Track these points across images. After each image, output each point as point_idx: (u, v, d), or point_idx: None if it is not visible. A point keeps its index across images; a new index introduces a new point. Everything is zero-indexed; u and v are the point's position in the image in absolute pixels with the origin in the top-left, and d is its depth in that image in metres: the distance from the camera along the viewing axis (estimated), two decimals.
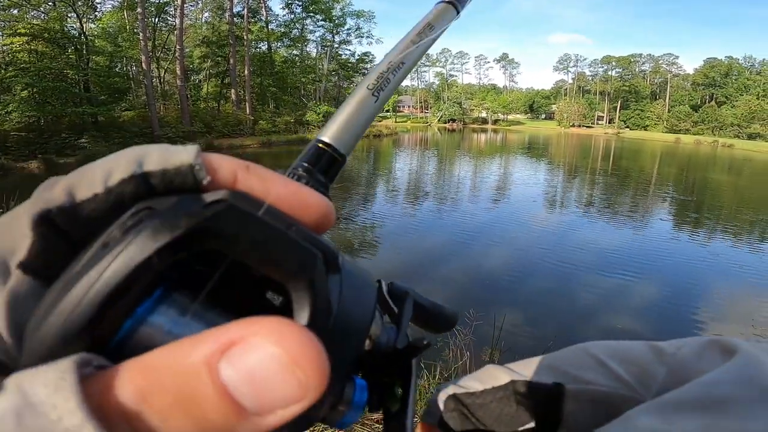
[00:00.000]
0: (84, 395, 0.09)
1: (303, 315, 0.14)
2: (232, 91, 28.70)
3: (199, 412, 0.10)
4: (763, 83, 57.35)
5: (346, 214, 9.52)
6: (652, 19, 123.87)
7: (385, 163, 20.77)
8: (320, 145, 0.28)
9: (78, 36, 20.79)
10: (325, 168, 0.27)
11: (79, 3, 21.64)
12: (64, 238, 0.13)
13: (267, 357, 0.11)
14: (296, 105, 32.10)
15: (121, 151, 0.15)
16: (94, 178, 0.14)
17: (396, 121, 55.70)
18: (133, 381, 0.10)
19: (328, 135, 0.28)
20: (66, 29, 20.27)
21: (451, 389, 0.30)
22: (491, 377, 0.27)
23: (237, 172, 0.16)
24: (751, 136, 51.86)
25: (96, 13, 24.41)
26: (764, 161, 31.46)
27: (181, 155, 0.15)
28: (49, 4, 20.39)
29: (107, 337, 0.12)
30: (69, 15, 21.20)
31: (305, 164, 0.27)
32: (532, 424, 0.27)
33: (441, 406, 0.34)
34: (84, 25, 21.42)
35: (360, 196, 11.91)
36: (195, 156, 0.15)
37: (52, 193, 0.13)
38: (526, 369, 0.28)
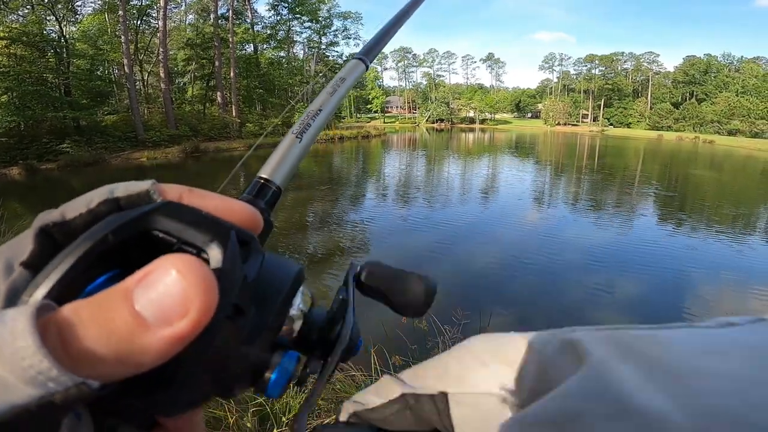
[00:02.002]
0: (35, 322, 0.13)
1: (213, 264, 0.17)
2: (218, 93, 28.41)
3: (111, 324, 0.14)
4: (742, 80, 58.83)
5: (333, 216, 9.50)
6: (632, 18, 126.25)
7: (374, 164, 20.77)
8: (260, 180, 0.34)
9: (58, 39, 20.39)
10: (264, 196, 0.33)
11: (59, 6, 21.23)
12: (55, 245, 0.18)
13: (166, 277, 0.15)
14: (283, 107, 31.95)
15: (98, 188, 0.20)
16: (80, 204, 0.19)
17: (384, 122, 55.81)
18: (69, 307, 0.14)
19: (266, 172, 0.35)
20: (45, 32, 19.87)
21: (351, 406, 0.31)
22: (387, 390, 0.28)
23: (182, 193, 0.21)
24: (731, 132, 53.16)
25: (76, 16, 23.98)
26: (744, 156, 32.25)
27: (141, 185, 0.20)
28: (28, 7, 19.97)
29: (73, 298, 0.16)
30: (48, 18, 20.79)
31: (248, 196, 0.33)
32: None
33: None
34: (64, 29, 21.02)
35: (348, 197, 11.89)
36: (151, 185, 0.20)
37: (49, 215, 0.18)
38: (416, 379, 0.28)
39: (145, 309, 0.14)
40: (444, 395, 0.22)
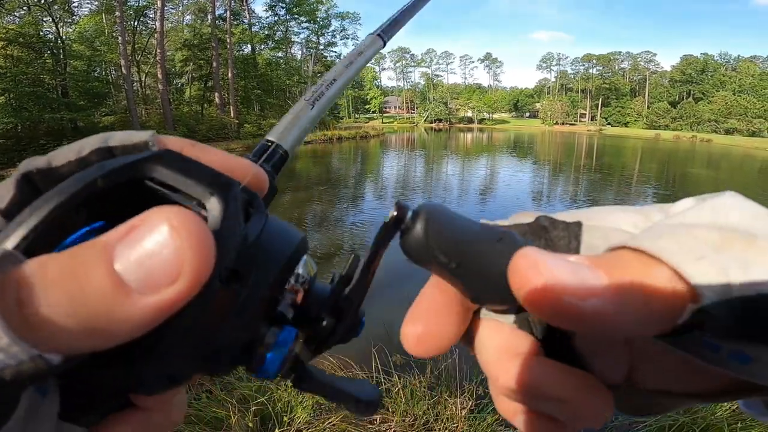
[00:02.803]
0: None
1: (211, 222, 0.15)
2: (216, 94, 28.38)
3: (82, 286, 0.11)
4: (739, 79, 59.07)
5: (331, 216, 9.50)
6: (629, 16, 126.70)
7: (373, 165, 20.79)
8: (267, 143, 0.33)
9: (54, 40, 20.33)
10: (270, 160, 0.32)
11: (55, 7, 21.18)
12: (38, 193, 0.16)
13: (156, 233, 0.12)
14: (282, 107, 31.94)
15: (91, 136, 0.18)
16: (69, 151, 0.17)
17: (383, 122, 55.81)
18: (35, 262, 0.12)
19: (273, 135, 0.33)
20: (42, 34, 19.81)
21: None
22: (523, 217, 0.24)
23: (183, 147, 0.19)
24: (728, 131, 53.39)
25: (73, 17, 23.93)
26: (741, 155, 32.39)
27: (139, 135, 0.19)
28: (24, 9, 19.91)
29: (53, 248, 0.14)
30: (44, 19, 20.73)
31: (253, 157, 0.32)
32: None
33: None
34: (60, 30, 20.97)
35: (346, 198, 11.89)
36: (150, 136, 0.19)
37: (35, 160, 0.17)
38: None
39: (126, 270, 0.12)
40: (579, 224, 0.20)
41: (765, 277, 0.13)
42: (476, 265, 0.18)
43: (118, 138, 0.18)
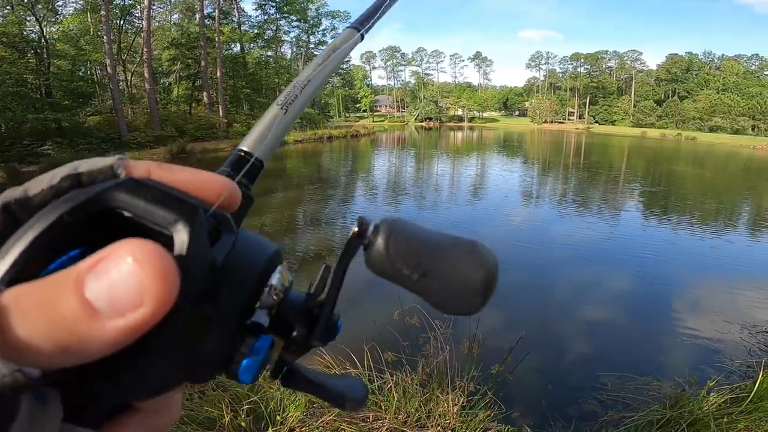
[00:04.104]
0: None
1: (177, 249, 0.16)
2: (204, 93, 28.07)
3: (56, 312, 0.13)
4: (723, 78, 60.21)
5: (322, 216, 9.48)
6: (617, 14, 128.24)
7: (363, 164, 20.76)
8: (240, 153, 0.32)
9: (38, 40, 19.91)
10: (244, 171, 0.31)
11: (39, 6, 20.74)
12: (16, 222, 0.17)
13: (121, 264, 0.14)
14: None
15: (64, 165, 0.19)
16: (43, 180, 0.18)
17: (373, 121, 55.75)
18: (13, 291, 0.13)
19: (246, 144, 0.32)
20: (25, 33, 19.39)
21: None
22: None
23: (150, 169, 0.20)
24: (712, 129, 54.40)
25: (57, 16, 23.44)
26: (725, 153, 33.04)
27: (105, 161, 0.19)
28: (7, 8, 19.47)
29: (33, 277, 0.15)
30: (28, 18, 20.29)
31: (227, 169, 0.31)
32: None
33: None
34: (44, 29, 20.54)
35: (337, 197, 11.87)
36: (116, 160, 0.19)
37: (13, 191, 0.18)
38: None
39: (96, 297, 0.13)
40: None
41: None
42: (439, 275, 0.20)
43: (85, 165, 0.19)
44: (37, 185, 0.18)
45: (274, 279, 0.21)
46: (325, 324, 0.23)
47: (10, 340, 0.13)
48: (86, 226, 0.16)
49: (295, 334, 0.22)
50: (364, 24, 0.46)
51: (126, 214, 0.17)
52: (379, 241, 0.20)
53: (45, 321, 0.13)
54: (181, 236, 0.16)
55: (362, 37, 0.45)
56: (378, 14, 0.49)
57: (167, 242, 0.16)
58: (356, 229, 0.21)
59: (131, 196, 0.17)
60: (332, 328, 0.23)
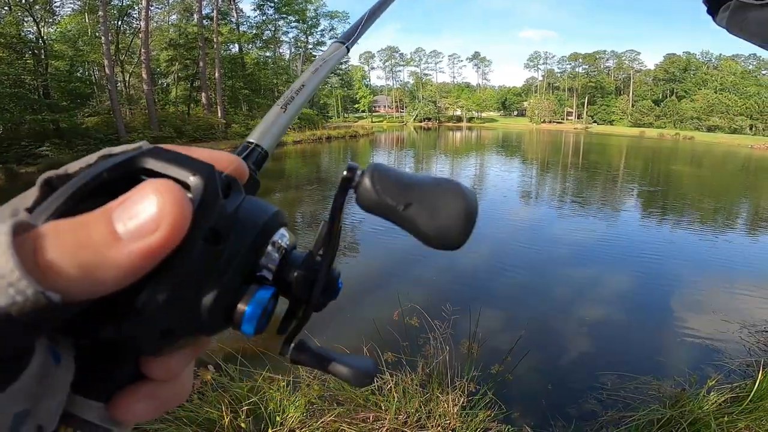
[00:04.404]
0: (12, 235, 0.14)
1: (193, 191, 0.19)
2: (203, 94, 28.02)
3: (86, 237, 0.15)
4: (720, 78, 60.33)
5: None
6: (615, 13, 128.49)
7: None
8: (249, 143, 0.37)
9: (35, 41, 19.86)
10: (251, 157, 0.36)
11: (37, 7, 20.68)
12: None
13: (144, 196, 0.16)
14: (269, 107, 31.56)
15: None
16: (81, 160, 0.21)
17: (372, 121, 55.71)
18: (51, 223, 0.16)
19: (253, 137, 0.38)
20: (22, 34, 19.32)
21: None
22: None
23: (173, 147, 0.22)
24: (710, 129, 54.51)
25: (54, 17, 23.38)
26: (723, 152, 33.11)
27: (133, 144, 0.22)
28: (5, 9, 19.41)
29: None
30: (26, 19, 20.23)
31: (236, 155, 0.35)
32: None
33: None
34: (42, 30, 20.48)
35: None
36: (143, 143, 0.22)
37: (56, 171, 0.20)
38: None
39: (120, 225, 0.16)
40: None
41: None
42: (423, 206, 0.22)
43: (119, 149, 0.22)
44: (76, 164, 0.21)
45: (277, 236, 0.23)
46: (324, 279, 0.24)
47: (41, 261, 0.14)
48: (119, 185, 0.18)
49: (295, 290, 0.23)
50: (349, 38, 0.53)
51: (154, 171, 0.19)
52: (366, 180, 0.23)
53: (74, 243, 0.15)
54: (196, 184, 0.19)
55: (348, 50, 0.52)
56: (360, 30, 0.56)
57: (186, 188, 0.19)
58: (346, 172, 0.24)
59: (158, 158, 0.20)
60: (333, 285, 0.25)
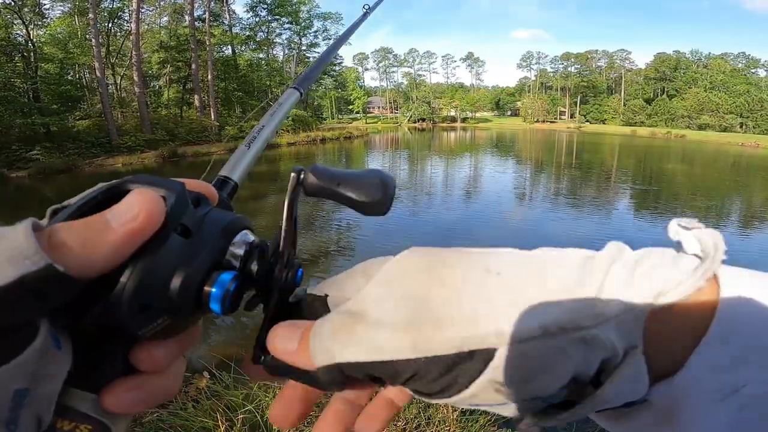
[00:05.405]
0: (32, 226, 0.18)
1: (167, 200, 0.23)
2: (196, 96, 27.83)
3: (89, 227, 0.20)
4: (710, 76, 61.08)
5: (316, 217, 9.43)
6: (606, 13, 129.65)
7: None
8: (221, 176, 0.42)
9: (25, 43, 19.65)
10: (223, 188, 0.41)
11: (26, 10, 20.47)
12: None
13: (128, 198, 0.21)
14: (264, 109, 31.42)
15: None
16: (81, 195, 0.25)
17: (366, 123, 55.73)
18: (64, 222, 0.21)
19: (225, 171, 0.43)
20: (11, 36, 19.11)
21: None
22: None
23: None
24: (700, 127, 55.12)
25: (44, 19, 23.15)
26: (714, 150, 33.49)
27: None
28: None
29: None
30: (14, 22, 20.01)
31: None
32: None
33: None
34: (31, 32, 20.27)
35: (330, 201, 11.80)
36: (129, 177, 0.26)
37: (62, 203, 0.25)
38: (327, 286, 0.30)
39: (111, 217, 0.21)
40: (325, 296, 0.28)
41: (354, 358, 0.22)
42: (351, 182, 0.29)
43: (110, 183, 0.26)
44: (76, 197, 0.25)
45: (241, 235, 0.28)
46: (286, 262, 0.28)
47: (53, 241, 0.19)
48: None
49: (257, 277, 0.27)
50: (302, 84, 0.61)
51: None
52: (310, 174, 0.30)
53: (79, 229, 0.20)
54: (170, 193, 0.24)
55: (301, 94, 0.61)
56: (313, 75, 0.66)
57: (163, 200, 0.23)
58: (294, 174, 0.30)
59: (140, 181, 0.24)
60: (293, 270, 0.29)
